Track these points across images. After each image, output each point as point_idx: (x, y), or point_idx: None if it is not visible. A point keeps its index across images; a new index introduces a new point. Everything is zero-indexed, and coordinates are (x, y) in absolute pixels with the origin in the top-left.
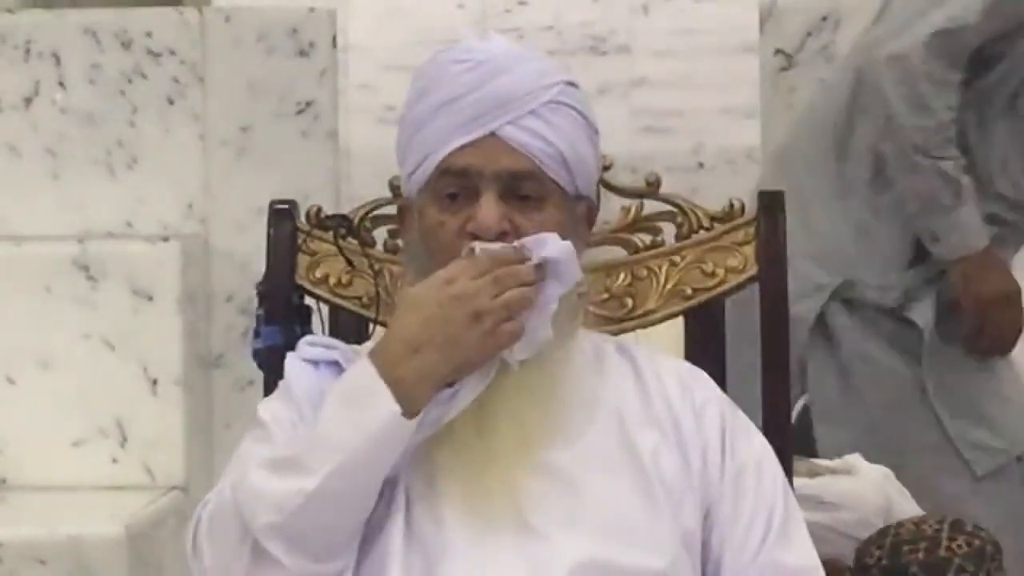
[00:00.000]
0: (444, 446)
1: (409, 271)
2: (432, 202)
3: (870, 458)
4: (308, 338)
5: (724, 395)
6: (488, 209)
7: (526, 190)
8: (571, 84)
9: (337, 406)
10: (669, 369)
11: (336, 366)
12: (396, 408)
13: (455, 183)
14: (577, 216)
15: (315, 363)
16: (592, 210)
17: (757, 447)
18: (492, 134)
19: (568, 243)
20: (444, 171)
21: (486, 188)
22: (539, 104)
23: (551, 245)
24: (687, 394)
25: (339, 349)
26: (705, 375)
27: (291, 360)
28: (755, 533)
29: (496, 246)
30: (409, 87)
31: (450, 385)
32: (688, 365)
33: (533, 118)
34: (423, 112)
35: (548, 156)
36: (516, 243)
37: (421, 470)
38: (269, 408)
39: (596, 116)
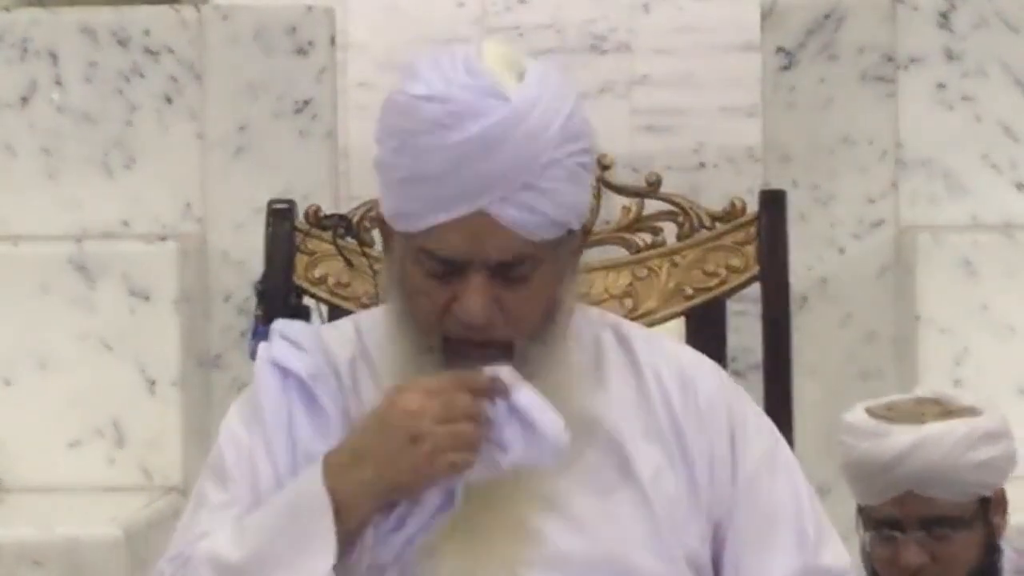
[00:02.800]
0: None
1: (389, 305)
2: (414, 265)
3: None
4: (280, 325)
5: (727, 382)
6: (474, 299)
7: (515, 273)
8: (569, 116)
9: (283, 525)
10: (670, 364)
11: (303, 385)
12: (333, 551)
13: (439, 265)
14: (571, 250)
15: (284, 371)
16: (587, 229)
17: (767, 443)
18: (480, 211)
19: (560, 423)
20: (427, 251)
21: (473, 272)
22: (533, 175)
23: (535, 405)
24: (690, 395)
25: (307, 352)
26: (707, 365)
27: (261, 364)
28: (780, 543)
29: (470, 372)
30: (385, 110)
31: (394, 506)
32: (689, 355)
33: (527, 192)
34: (402, 168)
35: (541, 227)
36: (501, 373)
37: None
38: (234, 436)
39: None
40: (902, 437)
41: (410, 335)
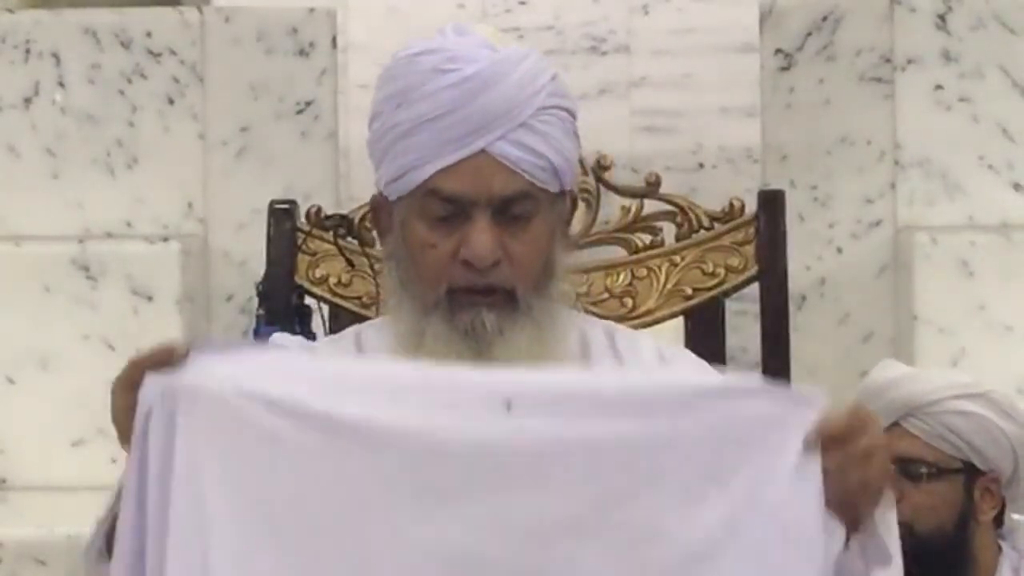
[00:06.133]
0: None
1: (391, 278)
2: (419, 219)
3: None
4: (277, 340)
5: (705, 366)
6: (482, 238)
7: (517, 211)
8: (553, 78)
9: None
10: (650, 350)
11: None
12: None
13: (445, 207)
14: (563, 213)
15: None
16: (574, 200)
17: None
18: (482, 151)
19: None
20: (432, 191)
21: (478, 213)
22: (528, 115)
23: None
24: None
25: None
26: (686, 352)
27: None
28: None
29: None
30: (380, 83)
31: None
32: (671, 348)
33: (524, 131)
34: (404, 122)
35: (540, 169)
36: None
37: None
38: None
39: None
40: (902, 369)
41: (416, 295)
